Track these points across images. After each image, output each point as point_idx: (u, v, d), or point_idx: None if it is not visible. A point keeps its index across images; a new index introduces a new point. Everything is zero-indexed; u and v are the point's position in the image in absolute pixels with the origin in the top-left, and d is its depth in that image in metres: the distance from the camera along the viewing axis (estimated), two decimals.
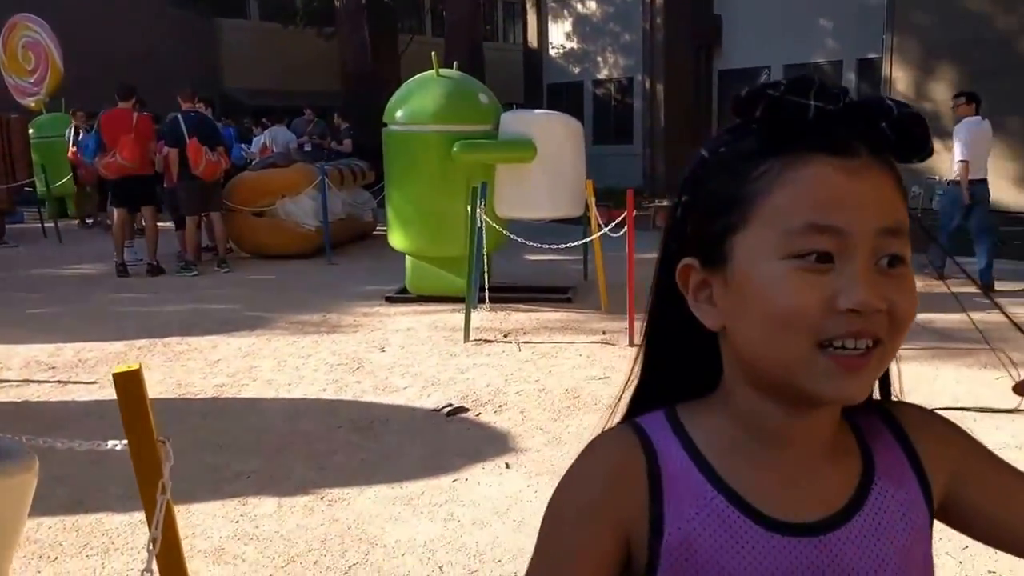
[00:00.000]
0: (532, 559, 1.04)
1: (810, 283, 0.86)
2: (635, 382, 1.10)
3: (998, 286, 9.94)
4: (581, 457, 1.02)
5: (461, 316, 8.06)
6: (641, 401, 1.08)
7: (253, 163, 14.73)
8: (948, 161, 16.84)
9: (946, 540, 3.73)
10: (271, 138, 16.62)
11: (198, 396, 6.39)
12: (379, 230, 13.99)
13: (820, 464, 0.97)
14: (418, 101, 9.24)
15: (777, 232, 0.88)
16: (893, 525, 0.97)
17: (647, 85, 22.76)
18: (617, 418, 1.10)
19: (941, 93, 17.10)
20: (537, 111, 10.80)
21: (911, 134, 0.89)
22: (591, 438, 1.04)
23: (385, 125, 9.48)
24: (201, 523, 4.30)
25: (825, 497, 0.96)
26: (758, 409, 0.95)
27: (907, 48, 17.95)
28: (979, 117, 10.11)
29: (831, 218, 0.86)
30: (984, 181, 10.12)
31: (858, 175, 0.87)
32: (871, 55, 19.48)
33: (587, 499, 0.99)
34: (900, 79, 18.33)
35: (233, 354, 7.48)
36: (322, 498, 4.58)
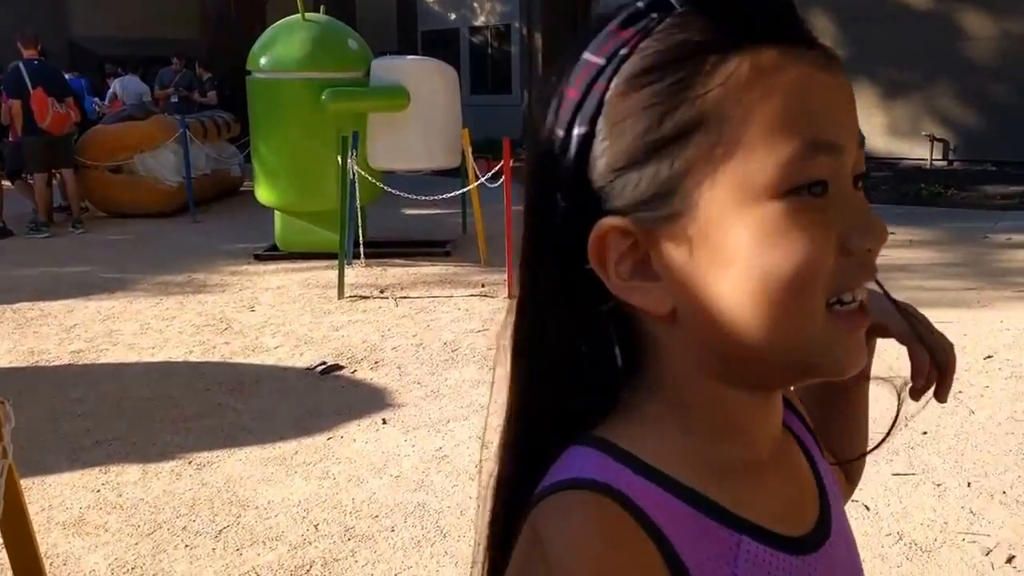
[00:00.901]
0: None
1: (817, 223, 0.67)
2: (510, 411, 0.80)
3: None
4: (579, 556, 0.67)
5: (334, 273, 7.99)
6: (527, 436, 0.79)
7: (105, 117, 14.21)
8: None
9: None
10: (121, 88, 16.00)
11: (53, 364, 6.20)
12: (247, 185, 13.72)
13: (783, 461, 0.80)
14: (283, 47, 9.06)
15: (768, 160, 0.66)
16: (840, 504, 0.85)
17: (524, 32, 22.73)
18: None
19: (817, 35, 17.53)
20: (409, 57, 10.71)
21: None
22: (535, 533, 0.70)
23: (249, 73, 9.28)
24: (59, 494, 4.20)
25: (805, 499, 0.80)
26: (727, 408, 0.74)
27: None
28: None
29: (831, 133, 0.68)
30: None
31: (834, 73, 0.70)
32: None
33: None
34: None
35: (91, 318, 7.27)
36: (190, 462, 4.52)
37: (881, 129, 17.37)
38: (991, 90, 16.06)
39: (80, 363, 6.20)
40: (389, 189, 8.87)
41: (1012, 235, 9.91)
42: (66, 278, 8.75)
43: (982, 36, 16.08)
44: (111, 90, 16.29)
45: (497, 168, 8.36)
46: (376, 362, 6.01)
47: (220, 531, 3.83)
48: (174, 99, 16.12)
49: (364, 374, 5.81)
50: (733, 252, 0.67)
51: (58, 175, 11.85)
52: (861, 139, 0.69)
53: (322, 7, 9.94)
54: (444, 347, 6.28)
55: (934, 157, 16.56)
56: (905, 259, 8.77)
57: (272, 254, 9.57)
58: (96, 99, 16.67)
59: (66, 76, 12.85)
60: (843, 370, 0.71)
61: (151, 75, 17.23)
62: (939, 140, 16.61)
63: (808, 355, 0.70)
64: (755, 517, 0.73)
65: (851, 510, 3.77)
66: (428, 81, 8.99)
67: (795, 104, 0.66)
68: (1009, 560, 3.44)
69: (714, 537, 0.70)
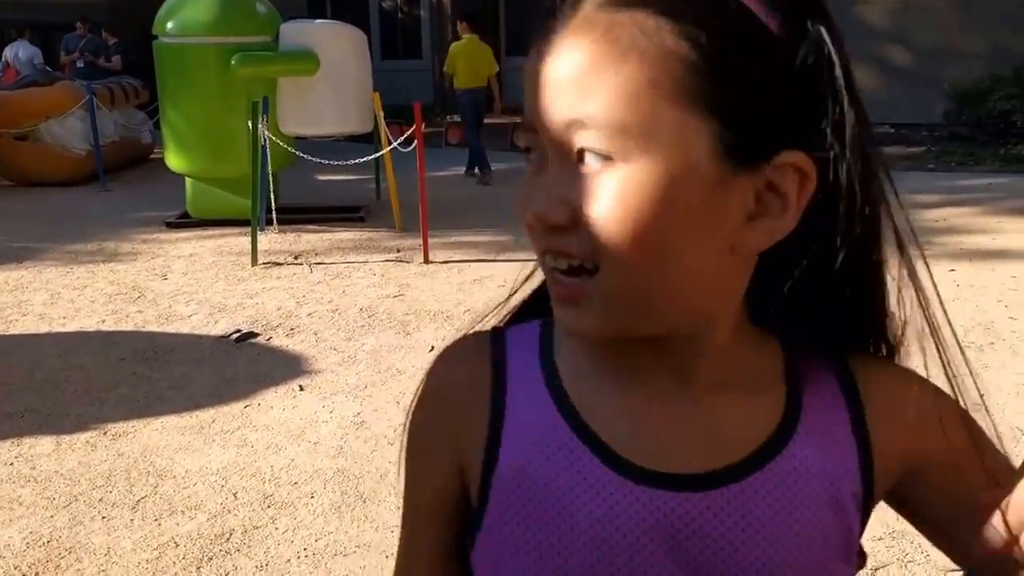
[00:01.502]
0: None
1: (526, 184, 0.73)
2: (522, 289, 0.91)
3: None
4: (428, 370, 0.88)
5: (247, 239, 7.87)
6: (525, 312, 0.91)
7: (11, 84, 13.71)
8: None
9: None
10: (12, 54, 15.43)
11: None
12: (156, 152, 13.41)
13: (708, 408, 0.78)
14: (191, 11, 8.84)
15: None
16: (799, 499, 0.77)
17: None
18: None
19: None
20: (318, 21, 10.55)
21: None
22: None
23: (155, 37, 9.04)
24: None
25: (711, 447, 0.77)
26: (603, 345, 0.80)
27: None
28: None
29: (528, 114, 0.73)
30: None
31: (554, 52, 0.70)
32: None
33: (423, 418, 0.87)
34: None
35: None
36: (105, 433, 4.44)
37: None
38: (888, 53, 16.35)
39: None
40: (301, 155, 8.75)
41: (911, 195, 10.18)
42: None
43: (876, 0, 16.38)
44: (3, 57, 15.70)
45: (409, 132, 8.30)
46: (292, 329, 5.95)
47: (138, 502, 3.77)
48: (80, 64, 15.60)
49: (280, 341, 5.75)
50: None
51: None
52: (582, 119, 0.67)
53: None
54: (360, 313, 6.25)
55: None
56: None
57: (184, 221, 9.39)
58: None
59: None
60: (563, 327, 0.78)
61: (55, 41, 16.67)
62: None
63: None
64: (609, 438, 0.77)
65: None
66: (337, 45, 8.85)
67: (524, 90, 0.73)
68: None
69: (544, 417, 0.79)
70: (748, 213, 0.69)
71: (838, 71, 0.68)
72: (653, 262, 0.69)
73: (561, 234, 0.70)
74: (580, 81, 0.67)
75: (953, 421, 0.80)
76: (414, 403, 0.88)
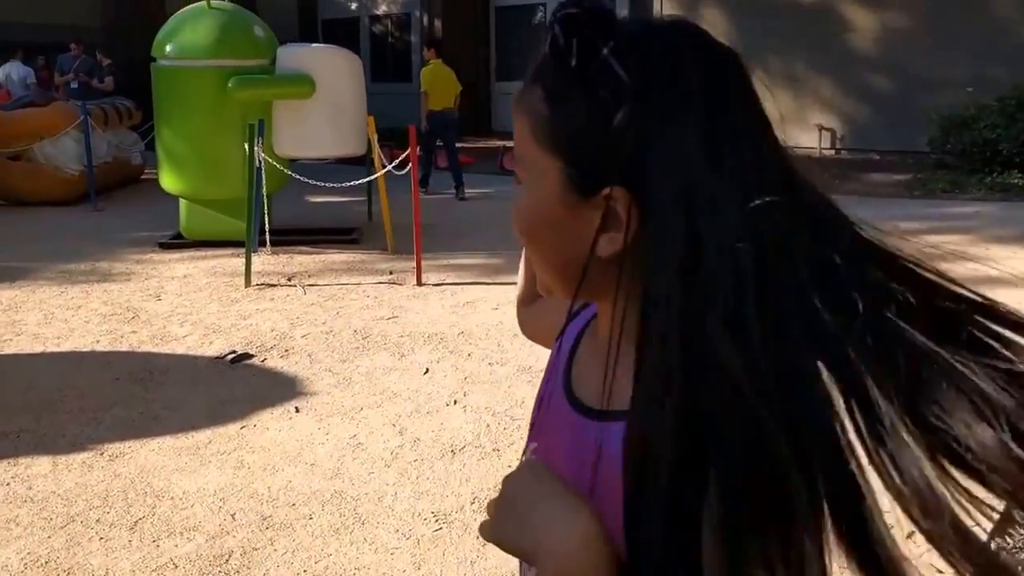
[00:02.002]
0: None
1: None
2: None
3: None
4: None
5: (241, 260, 7.88)
6: None
7: (3, 104, 13.69)
8: None
9: None
10: (4, 76, 15.39)
11: None
12: (148, 173, 13.39)
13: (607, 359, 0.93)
14: (190, 34, 8.88)
15: None
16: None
17: (425, 21, 22.61)
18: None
19: (707, 30, 17.81)
20: (315, 45, 10.60)
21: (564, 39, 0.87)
22: None
23: (153, 60, 9.07)
24: None
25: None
26: None
27: None
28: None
29: None
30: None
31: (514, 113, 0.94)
32: None
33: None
34: (670, 12, 18.97)
35: None
36: (101, 453, 4.43)
37: (771, 118, 17.72)
38: (873, 82, 16.50)
39: None
40: (298, 177, 8.77)
41: (898, 223, 10.21)
42: None
43: (865, 29, 16.51)
44: None
45: (404, 156, 8.33)
46: (286, 350, 5.95)
47: (136, 522, 3.76)
48: (73, 85, 15.58)
49: (275, 362, 5.75)
50: None
51: None
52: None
53: None
54: (354, 335, 6.25)
55: (823, 146, 16.96)
56: None
57: (177, 242, 9.38)
58: None
59: None
60: None
61: (51, 62, 16.65)
62: (827, 130, 17.02)
63: None
64: (574, 379, 1.04)
65: None
66: (333, 69, 8.90)
67: None
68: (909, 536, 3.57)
69: (560, 363, 1.09)
70: (598, 226, 0.87)
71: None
72: (533, 247, 0.96)
73: None
74: (518, 124, 0.93)
75: None
76: None
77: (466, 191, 12.31)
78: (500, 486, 0.92)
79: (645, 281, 0.83)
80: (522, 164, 0.93)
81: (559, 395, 1.05)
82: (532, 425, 1.13)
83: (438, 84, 12.66)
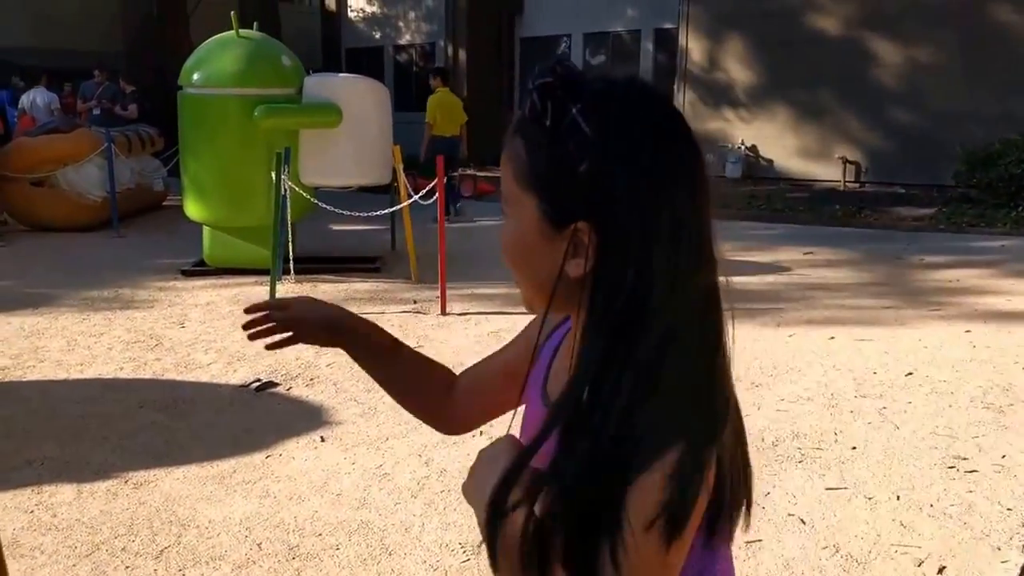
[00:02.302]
0: None
1: None
2: None
3: (784, 252, 10.58)
4: None
5: (264, 288, 7.88)
6: None
7: (28, 130, 13.78)
8: (741, 129, 17.75)
9: None
10: (29, 102, 15.50)
11: None
12: (171, 200, 13.47)
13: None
14: (217, 63, 8.94)
15: None
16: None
17: (450, 51, 22.77)
18: None
19: (732, 62, 17.85)
20: (342, 75, 10.65)
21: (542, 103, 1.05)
22: None
23: (180, 88, 9.13)
24: None
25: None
26: None
27: (700, 19, 18.62)
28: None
29: None
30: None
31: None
32: (667, 25, 20.13)
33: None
34: (695, 49, 19.04)
35: (14, 335, 7.05)
36: (126, 481, 4.41)
37: (795, 151, 17.78)
38: (897, 116, 16.54)
39: (5, 381, 5.99)
40: (322, 205, 8.79)
41: (924, 256, 10.26)
42: None
43: (889, 63, 16.53)
44: (20, 104, 15.77)
45: (431, 186, 8.33)
46: (311, 379, 5.93)
47: (161, 551, 3.73)
48: (96, 112, 15.70)
49: (300, 391, 5.73)
50: None
51: None
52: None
53: (255, 23, 9.84)
54: None
55: (847, 179, 16.97)
56: (826, 279, 9.05)
57: (200, 269, 9.40)
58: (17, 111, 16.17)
59: None
60: None
61: (75, 88, 16.76)
62: (851, 163, 17.04)
63: None
64: (549, 381, 1.27)
65: (788, 524, 3.81)
66: (360, 98, 8.95)
67: None
68: (940, 571, 3.52)
69: (540, 371, 1.30)
70: (569, 253, 1.05)
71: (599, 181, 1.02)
72: (517, 269, 1.15)
73: None
74: (504, 164, 1.11)
75: None
76: None
77: (487, 220, 12.41)
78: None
79: (587, 299, 1.04)
80: (507, 201, 1.11)
81: (536, 393, 1.27)
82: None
83: (444, 112, 13.01)
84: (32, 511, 4.11)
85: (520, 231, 1.10)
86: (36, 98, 15.50)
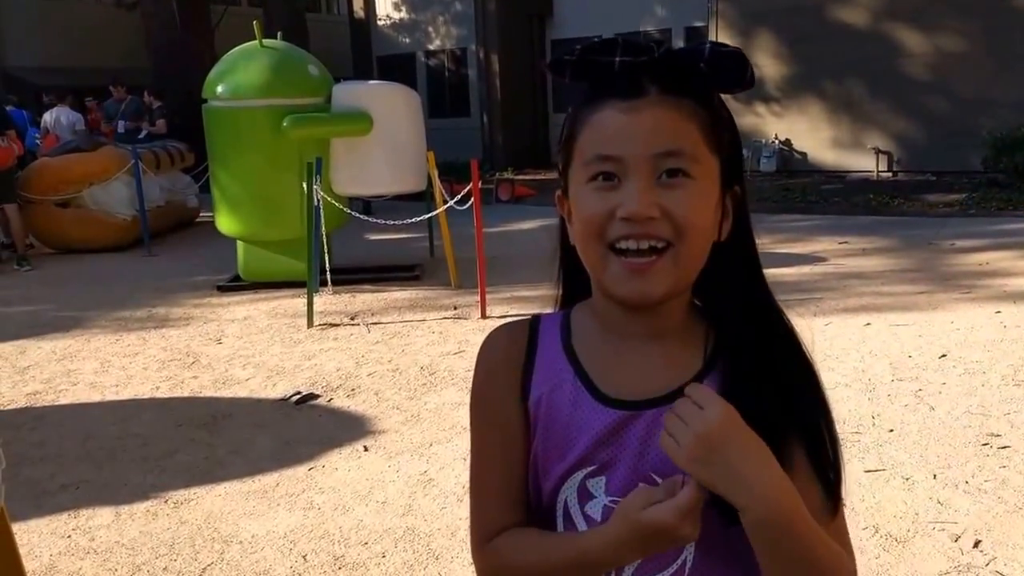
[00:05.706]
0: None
1: (600, 198, 1.17)
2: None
3: (820, 243, 10.61)
4: (485, 338, 1.38)
5: (302, 301, 7.90)
6: (564, 303, 1.42)
7: (51, 149, 13.89)
8: (774, 124, 17.94)
9: None
10: (53, 120, 15.64)
11: (7, 407, 6.00)
12: (204, 216, 13.58)
13: (657, 356, 1.25)
14: (242, 74, 8.98)
15: (581, 163, 1.20)
16: None
17: (481, 55, 22.78)
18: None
19: (763, 58, 17.95)
20: (371, 82, 10.69)
21: (724, 67, 1.17)
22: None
23: (205, 101, 9.19)
24: (26, 542, 4.04)
25: (655, 383, 1.23)
26: (605, 307, 1.27)
27: (730, 16, 18.76)
28: None
29: (610, 148, 1.17)
30: None
31: (637, 112, 1.16)
32: (697, 23, 20.22)
33: (489, 363, 1.35)
34: (725, 41, 19.00)
35: (46, 358, 7.10)
36: (166, 501, 4.41)
37: (828, 143, 18.23)
38: (927, 104, 16.98)
39: (38, 405, 6.03)
40: (356, 215, 8.81)
41: (955, 241, 10.46)
42: (14, 318, 8.55)
43: (917, 53, 16.84)
44: (43, 123, 15.92)
45: (466, 191, 8.32)
46: (352, 389, 5.93)
47: (203, 569, 3.72)
48: (121, 130, 15.80)
49: (341, 402, 5.72)
50: (574, 210, 1.23)
51: (0, 211, 11.64)
52: (671, 151, 1.15)
53: (279, 33, 9.89)
54: (421, 371, 6.21)
55: (880, 169, 17.31)
56: (861, 267, 9.26)
57: (235, 285, 9.46)
58: (38, 132, 16.34)
59: (7, 109, 12.63)
60: (621, 297, 1.21)
61: (100, 105, 16.91)
62: (883, 152, 17.50)
63: (601, 280, 1.22)
64: (596, 378, 1.26)
65: None
66: (390, 105, 8.96)
67: (593, 132, 1.19)
68: (976, 545, 3.62)
69: (558, 366, 1.29)
70: (723, 215, 1.22)
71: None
72: (706, 238, 1.20)
73: (649, 224, 1.15)
74: (674, 130, 1.16)
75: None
76: (479, 354, 1.36)
77: (527, 224, 12.38)
78: (700, 424, 1.09)
79: (740, 259, 1.26)
80: (694, 160, 1.16)
81: (588, 403, 1.26)
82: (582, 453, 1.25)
83: None
84: (69, 536, 4.12)
85: (708, 191, 1.18)
86: (60, 117, 15.63)
